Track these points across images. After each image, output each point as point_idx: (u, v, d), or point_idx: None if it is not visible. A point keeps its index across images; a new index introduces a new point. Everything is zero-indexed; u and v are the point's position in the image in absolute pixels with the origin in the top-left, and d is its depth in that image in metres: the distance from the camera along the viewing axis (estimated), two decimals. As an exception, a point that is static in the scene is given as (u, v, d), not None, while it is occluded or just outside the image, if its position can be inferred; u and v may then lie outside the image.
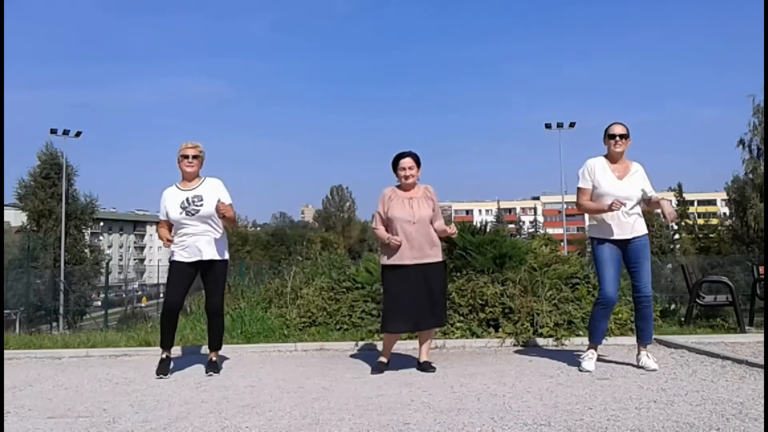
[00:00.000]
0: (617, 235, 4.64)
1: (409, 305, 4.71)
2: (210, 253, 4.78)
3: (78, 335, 7.90)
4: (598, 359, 4.80)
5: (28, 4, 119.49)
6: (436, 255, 4.83)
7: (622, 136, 4.67)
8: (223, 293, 5.03)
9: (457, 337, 6.28)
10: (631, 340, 6.16)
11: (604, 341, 6.11)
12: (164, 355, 4.86)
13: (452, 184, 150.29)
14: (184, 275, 4.80)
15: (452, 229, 4.87)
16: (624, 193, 4.62)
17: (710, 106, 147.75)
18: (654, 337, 6.20)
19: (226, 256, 4.93)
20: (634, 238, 4.65)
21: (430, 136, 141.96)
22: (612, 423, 3.07)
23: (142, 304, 36.96)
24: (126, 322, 14.57)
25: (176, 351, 5.90)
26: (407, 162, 4.82)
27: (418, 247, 4.74)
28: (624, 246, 4.65)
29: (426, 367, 4.78)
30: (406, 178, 4.82)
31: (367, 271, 7.25)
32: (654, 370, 4.50)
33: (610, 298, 4.64)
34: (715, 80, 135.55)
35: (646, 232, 4.73)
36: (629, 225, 4.65)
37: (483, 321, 6.45)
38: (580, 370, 4.54)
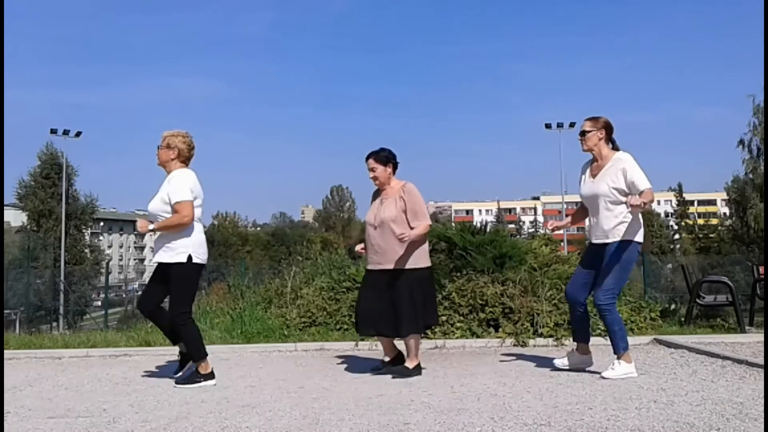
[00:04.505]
0: (588, 238, 4.50)
1: (368, 309, 4.60)
2: (160, 254, 4.34)
3: (78, 335, 7.90)
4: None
5: (28, 4, 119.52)
6: (400, 261, 4.50)
7: (582, 134, 4.37)
8: (178, 301, 4.34)
9: (457, 337, 6.29)
10: (632, 340, 6.14)
11: (604, 341, 6.13)
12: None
13: (452, 184, 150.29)
14: (154, 275, 4.52)
15: (403, 235, 4.40)
16: (587, 192, 4.35)
17: (710, 106, 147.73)
18: (654, 337, 6.23)
19: (176, 259, 4.28)
20: (603, 244, 4.28)
21: (431, 136, 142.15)
22: (612, 423, 3.07)
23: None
24: (126, 322, 14.55)
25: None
26: (369, 163, 4.67)
27: (382, 251, 4.55)
28: (600, 250, 4.31)
29: (395, 369, 4.61)
30: (372, 179, 4.70)
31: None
32: (605, 377, 4.21)
33: (566, 293, 4.56)
34: (715, 80, 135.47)
35: (618, 238, 4.21)
36: (595, 227, 4.34)
37: (483, 321, 6.45)
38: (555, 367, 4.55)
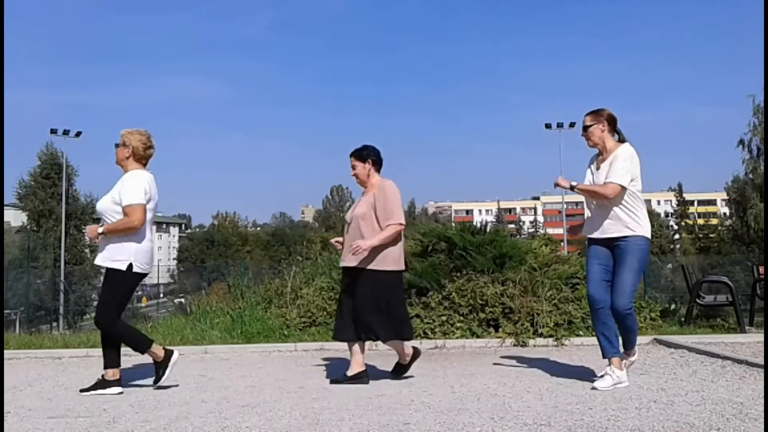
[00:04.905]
0: (587, 232, 4.21)
1: (339, 314, 4.50)
2: (101, 256, 4.20)
3: (78, 335, 7.92)
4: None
5: (28, 4, 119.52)
6: (361, 260, 4.25)
7: (584, 129, 4.21)
8: (105, 307, 4.18)
9: (457, 337, 6.29)
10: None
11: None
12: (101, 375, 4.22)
13: (452, 184, 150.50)
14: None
15: (358, 246, 4.18)
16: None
17: (710, 106, 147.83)
18: (654, 337, 6.23)
19: (116, 266, 4.12)
20: (610, 239, 4.06)
21: (431, 136, 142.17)
22: (612, 423, 3.07)
23: (142, 304, 36.98)
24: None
25: (177, 350, 5.91)
26: (351, 161, 4.53)
27: (347, 248, 4.38)
28: (607, 246, 4.11)
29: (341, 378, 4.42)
30: (353, 177, 4.55)
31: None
32: (596, 388, 3.92)
33: (589, 297, 4.15)
34: (715, 80, 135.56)
35: (627, 233, 4.01)
36: (598, 222, 4.12)
37: (483, 321, 6.45)
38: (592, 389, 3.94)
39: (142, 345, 4.25)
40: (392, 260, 4.33)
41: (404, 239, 4.60)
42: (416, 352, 4.58)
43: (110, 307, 4.20)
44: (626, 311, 4.00)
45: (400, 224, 4.32)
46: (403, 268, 4.45)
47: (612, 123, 4.19)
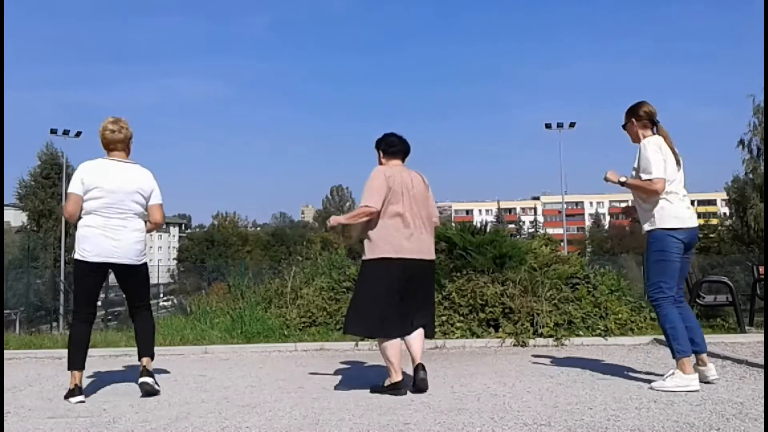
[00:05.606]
0: None
1: None
2: None
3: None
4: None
5: (28, 4, 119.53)
6: (364, 250, 4.17)
7: (623, 128, 4.25)
8: (73, 299, 4.27)
9: (457, 337, 6.29)
10: (632, 340, 6.17)
11: (604, 341, 6.15)
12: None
13: (452, 184, 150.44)
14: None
15: (332, 219, 4.26)
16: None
17: (710, 106, 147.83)
18: (654, 337, 6.22)
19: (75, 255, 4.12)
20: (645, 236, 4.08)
21: (430, 136, 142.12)
22: (612, 423, 3.07)
23: (142, 304, 36.92)
24: (126, 322, 14.55)
25: (177, 350, 5.91)
26: None
27: None
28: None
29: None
30: None
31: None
32: (653, 388, 3.82)
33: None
34: (715, 80, 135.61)
35: (648, 228, 3.98)
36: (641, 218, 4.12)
37: (483, 321, 6.45)
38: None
39: (71, 363, 3.97)
40: (369, 249, 4.07)
41: (403, 228, 4.07)
42: (395, 384, 3.89)
43: (74, 300, 4.24)
44: (651, 302, 4.07)
45: (366, 206, 4.01)
46: (378, 255, 4.00)
47: (645, 117, 4.14)
